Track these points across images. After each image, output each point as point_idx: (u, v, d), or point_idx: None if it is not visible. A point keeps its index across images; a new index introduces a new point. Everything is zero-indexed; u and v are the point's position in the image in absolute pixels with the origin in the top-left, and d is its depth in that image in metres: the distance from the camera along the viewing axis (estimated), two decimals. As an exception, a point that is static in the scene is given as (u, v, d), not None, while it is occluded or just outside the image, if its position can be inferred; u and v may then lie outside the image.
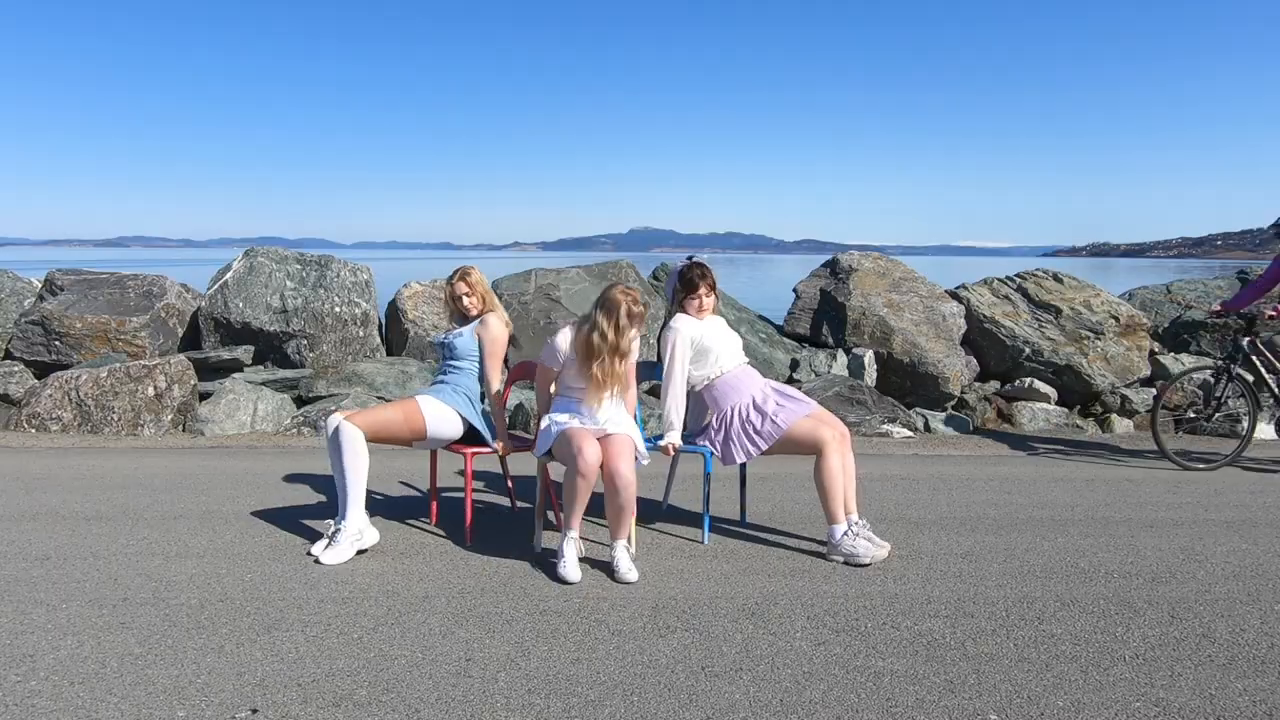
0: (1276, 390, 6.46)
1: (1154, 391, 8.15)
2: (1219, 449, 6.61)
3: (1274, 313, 6.29)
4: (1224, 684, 2.91)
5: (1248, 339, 6.47)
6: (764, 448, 4.20)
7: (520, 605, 3.52)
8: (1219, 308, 6.69)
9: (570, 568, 3.83)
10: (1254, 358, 6.46)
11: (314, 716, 2.65)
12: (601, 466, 3.84)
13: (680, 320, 4.32)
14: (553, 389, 4.20)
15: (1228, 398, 6.72)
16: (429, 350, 8.34)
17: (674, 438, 4.24)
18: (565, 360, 4.07)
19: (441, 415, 4.33)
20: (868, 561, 4.03)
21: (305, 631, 3.24)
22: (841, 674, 2.95)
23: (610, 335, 3.94)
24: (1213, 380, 6.80)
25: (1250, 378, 6.51)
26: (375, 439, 4.19)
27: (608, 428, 3.99)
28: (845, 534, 4.08)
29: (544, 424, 4.07)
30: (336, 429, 4.13)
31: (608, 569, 3.89)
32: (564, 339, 4.05)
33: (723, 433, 4.28)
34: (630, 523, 4.00)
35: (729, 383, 4.32)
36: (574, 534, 3.93)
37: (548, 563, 4.00)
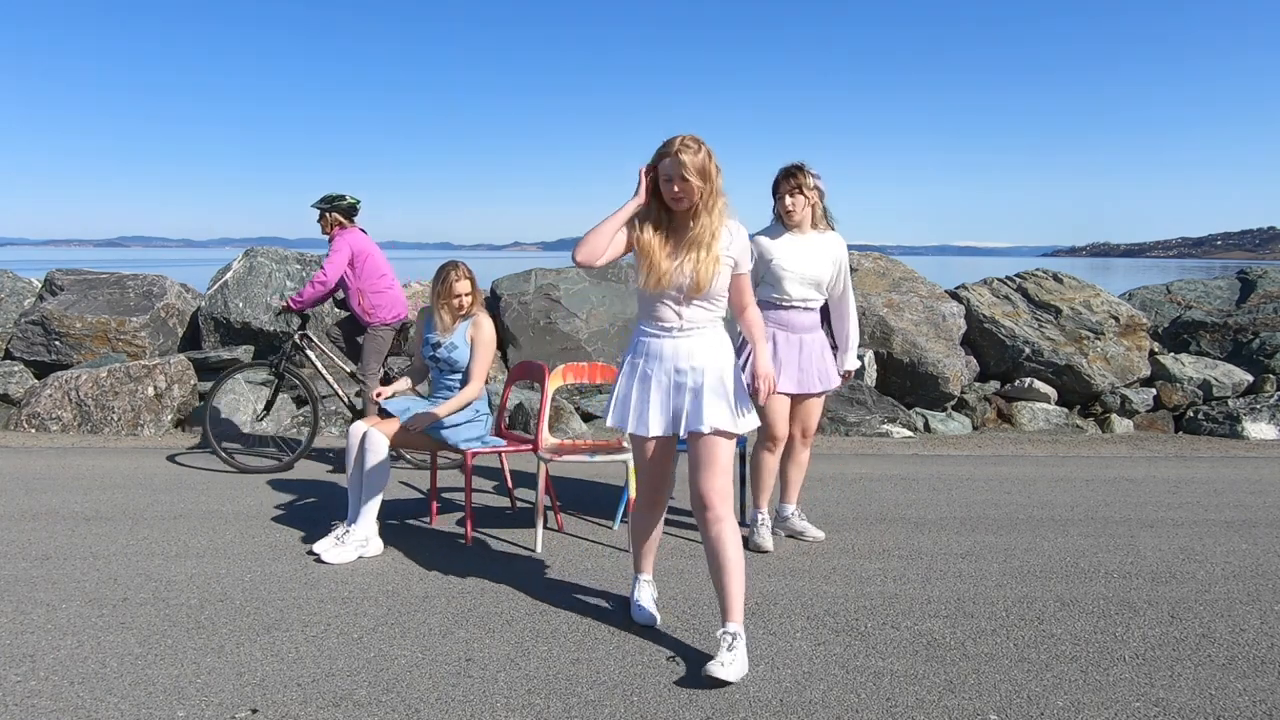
0: (333, 386, 6.07)
1: (1154, 391, 8.15)
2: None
3: (289, 303, 5.85)
4: (1224, 684, 2.91)
5: (300, 333, 6.04)
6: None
7: (520, 605, 3.51)
8: (287, 303, 5.91)
9: (649, 608, 3.35)
10: (308, 352, 6.03)
11: (314, 716, 2.65)
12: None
13: (763, 237, 4.01)
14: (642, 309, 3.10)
15: (277, 401, 6.20)
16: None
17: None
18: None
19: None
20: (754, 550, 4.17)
21: (305, 631, 3.24)
22: (841, 674, 2.95)
23: (713, 161, 2.92)
24: (270, 384, 6.33)
25: (308, 374, 6.26)
26: (398, 446, 4.18)
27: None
28: (763, 521, 4.25)
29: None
30: (364, 435, 4.10)
31: (607, 569, 3.89)
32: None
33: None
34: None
35: (775, 319, 4.02)
36: (647, 577, 3.44)
37: (548, 563, 4.00)
